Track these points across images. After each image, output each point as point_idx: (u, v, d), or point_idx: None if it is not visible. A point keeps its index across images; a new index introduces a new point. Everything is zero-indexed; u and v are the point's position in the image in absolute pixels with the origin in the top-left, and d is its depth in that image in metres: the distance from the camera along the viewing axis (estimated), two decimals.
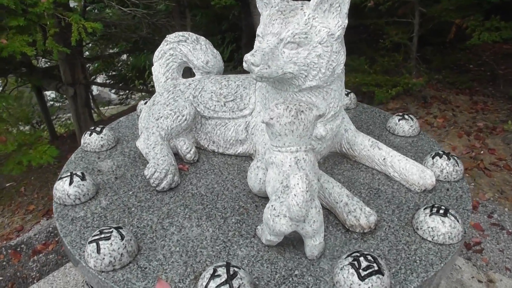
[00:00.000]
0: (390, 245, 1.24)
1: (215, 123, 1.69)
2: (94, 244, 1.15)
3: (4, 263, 2.75)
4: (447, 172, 1.53)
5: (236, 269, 1.05)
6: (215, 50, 1.84)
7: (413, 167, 1.50)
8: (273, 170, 1.20)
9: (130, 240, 1.18)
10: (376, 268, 1.05)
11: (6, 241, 3.15)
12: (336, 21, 1.36)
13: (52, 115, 6.57)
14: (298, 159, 1.18)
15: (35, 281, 2.53)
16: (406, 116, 1.88)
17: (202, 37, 1.82)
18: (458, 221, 1.26)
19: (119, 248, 1.15)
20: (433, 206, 1.29)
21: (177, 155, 1.65)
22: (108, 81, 6.56)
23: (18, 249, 2.85)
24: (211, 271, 1.05)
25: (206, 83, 1.71)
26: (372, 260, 1.07)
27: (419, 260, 1.18)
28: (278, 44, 1.34)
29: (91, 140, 1.75)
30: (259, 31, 1.40)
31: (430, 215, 1.27)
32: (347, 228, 1.29)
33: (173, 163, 1.51)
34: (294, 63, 1.34)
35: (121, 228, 1.20)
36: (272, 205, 1.12)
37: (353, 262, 1.07)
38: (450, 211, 1.28)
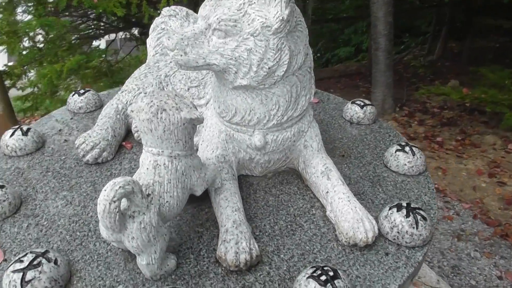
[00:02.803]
0: None
1: None
2: None
3: None
4: None
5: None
6: None
7: (350, 213, 1.16)
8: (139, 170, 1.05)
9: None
10: None
11: None
12: (276, 11, 1.11)
13: None
14: (157, 164, 1.01)
15: None
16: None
17: (194, 14, 1.69)
18: None
19: None
20: (318, 269, 0.98)
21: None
22: None
23: None
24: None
25: None
26: None
27: None
28: (206, 29, 1.15)
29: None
30: None
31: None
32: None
33: (107, 138, 1.46)
34: (220, 54, 1.14)
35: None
36: None
37: None
38: None
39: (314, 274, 0.96)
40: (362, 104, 1.75)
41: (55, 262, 0.98)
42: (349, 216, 1.15)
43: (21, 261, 0.96)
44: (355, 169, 1.45)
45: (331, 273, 0.96)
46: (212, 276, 1.03)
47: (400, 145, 1.47)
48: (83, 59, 3.66)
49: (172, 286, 0.92)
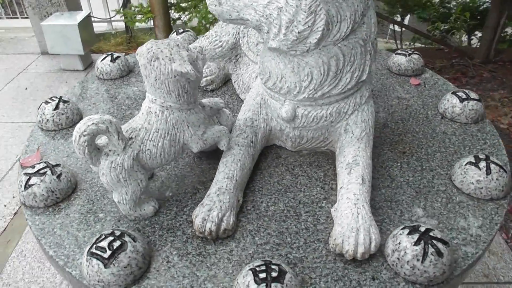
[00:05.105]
0: None
1: (244, 61, 1.53)
2: None
3: None
4: None
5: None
6: None
7: (349, 217, 0.97)
8: None
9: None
10: None
11: None
12: None
13: None
14: (150, 111, 1.01)
15: None
16: None
17: None
18: None
19: None
20: (266, 265, 0.86)
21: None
22: None
23: None
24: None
25: None
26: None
27: None
28: None
29: None
30: None
31: None
32: None
33: None
34: (254, 10, 1.04)
35: None
36: None
37: None
38: None
39: (257, 268, 0.86)
40: (464, 97, 1.39)
41: (58, 176, 1.11)
42: (346, 220, 0.97)
43: (34, 167, 1.12)
44: (408, 171, 1.20)
45: (274, 274, 0.84)
46: (179, 234, 1.02)
47: (477, 157, 1.14)
48: None
49: (121, 230, 0.94)
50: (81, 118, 1.43)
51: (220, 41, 1.56)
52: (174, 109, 1.01)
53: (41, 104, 1.38)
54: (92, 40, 4.35)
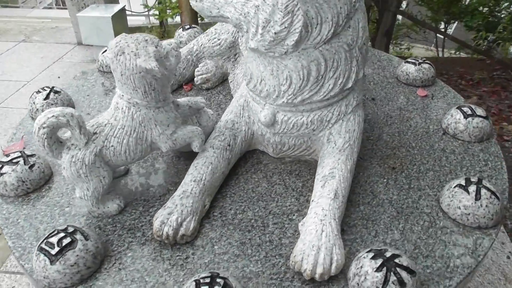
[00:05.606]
0: None
1: (239, 60, 1.48)
2: None
3: None
4: None
5: None
6: None
7: (312, 234, 0.90)
8: None
9: None
10: None
11: None
12: None
13: None
14: (117, 106, 0.98)
15: None
16: None
17: None
18: None
19: None
20: (211, 277, 0.81)
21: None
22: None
23: None
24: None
25: None
26: None
27: None
28: None
29: None
30: None
31: None
32: None
33: None
34: (233, 7, 1.00)
35: None
36: None
37: None
38: None
39: (201, 280, 0.81)
40: (469, 112, 1.28)
41: (31, 167, 1.10)
42: (308, 237, 0.91)
43: (8, 156, 1.12)
44: (393, 189, 1.11)
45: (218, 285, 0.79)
46: (138, 235, 0.99)
47: (468, 179, 1.04)
48: None
49: (75, 227, 0.92)
50: None
51: (219, 39, 1.52)
52: (141, 106, 0.98)
53: (32, 93, 1.39)
54: (125, 33, 4.45)
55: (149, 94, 0.96)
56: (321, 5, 0.93)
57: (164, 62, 0.95)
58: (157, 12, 4.37)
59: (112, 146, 0.98)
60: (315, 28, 0.95)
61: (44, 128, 0.89)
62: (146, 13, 4.81)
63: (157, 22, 4.93)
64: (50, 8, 7.30)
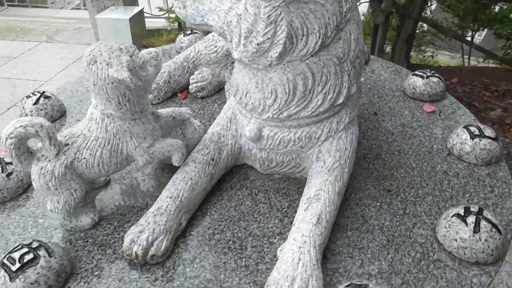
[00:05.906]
0: None
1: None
2: None
3: None
4: None
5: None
6: None
7: (288, 262, 0.83)
8: None
9: None
10: None
11: None
12: None
13: None
14: (92, 117, 0.94)
15: None
16: None
17: None
18: None
19: None
20: None
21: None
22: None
23: None
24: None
25: None
26: None
27: None
28: None
29: None
30: None
31: None
32: None
33: (157, 82, 1.43)
34: (217, 15, 0.95)
35: None
36: None
37: None
38: None
39: None
40: (476, 132, 1.18)
41: (8, 175, 1.08)
42: (284, 265, 0.84)
43: None
44: (386, 214, 1.03)
45: None
46: (108, 252, 0.94)
47: (467, 209, 0.94)
48: None
49: (40, 242, 0.88)
50: (62, 115, 1.41)
51: (216, 46, 1.47)
52: (115, 118, 0.93)
53: (23, 98, 1.37)
54: (143, 35, 4.47)
55: (123, 105, 0.92)
56: (306, 15, 0.86)
57: (139, 73, 0.90)
58: (172, 15, 4.37)
59: (84, 158, 0.93)
60: (301, 39, 0.88)
61: (11, 138, 0.85)
62: (166, 15, 4.82)
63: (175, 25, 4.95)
64: (78, 9, 7.43)
